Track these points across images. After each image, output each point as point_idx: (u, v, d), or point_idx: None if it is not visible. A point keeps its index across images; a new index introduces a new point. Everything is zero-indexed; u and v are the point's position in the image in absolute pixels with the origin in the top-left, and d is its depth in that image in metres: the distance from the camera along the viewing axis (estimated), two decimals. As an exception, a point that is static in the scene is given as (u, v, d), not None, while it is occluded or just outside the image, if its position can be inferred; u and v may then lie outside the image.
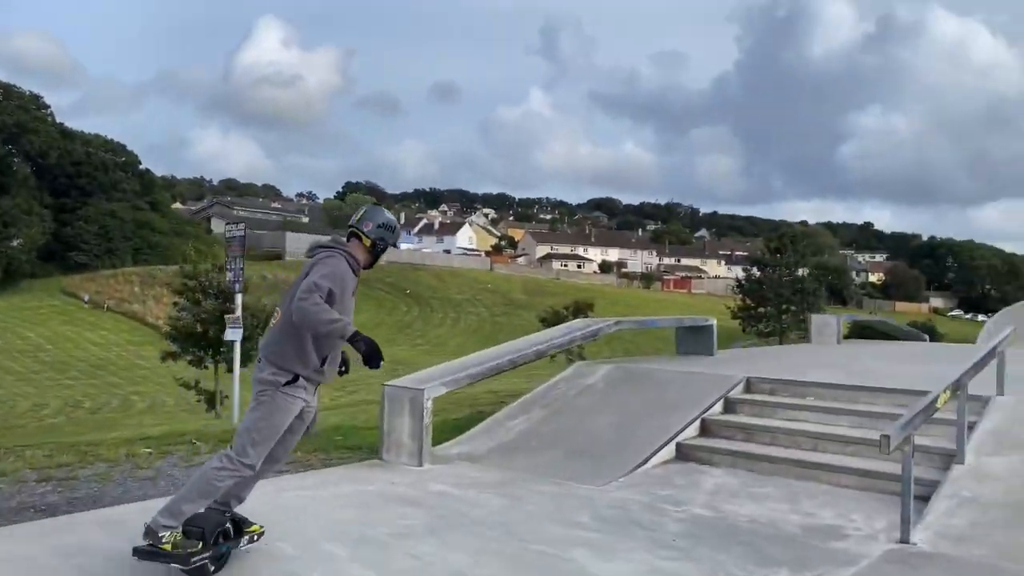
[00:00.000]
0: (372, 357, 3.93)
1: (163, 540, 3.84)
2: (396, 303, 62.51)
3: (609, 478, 6.04)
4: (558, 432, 7.11)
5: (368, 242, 4.28)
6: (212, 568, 3.95)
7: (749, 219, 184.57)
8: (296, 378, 4.06)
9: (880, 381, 7.45)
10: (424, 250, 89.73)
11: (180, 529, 3.89)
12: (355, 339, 3.90)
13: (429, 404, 6.56)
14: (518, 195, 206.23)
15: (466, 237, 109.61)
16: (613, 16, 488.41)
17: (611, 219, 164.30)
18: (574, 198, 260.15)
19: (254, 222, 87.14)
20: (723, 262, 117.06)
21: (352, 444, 8.37)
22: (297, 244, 70.26)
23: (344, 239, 4.35)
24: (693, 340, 10.08)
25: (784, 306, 40.26)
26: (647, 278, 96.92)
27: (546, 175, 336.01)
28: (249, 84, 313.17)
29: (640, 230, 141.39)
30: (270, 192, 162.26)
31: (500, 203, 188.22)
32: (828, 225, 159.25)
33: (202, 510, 3.99)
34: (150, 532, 3.89)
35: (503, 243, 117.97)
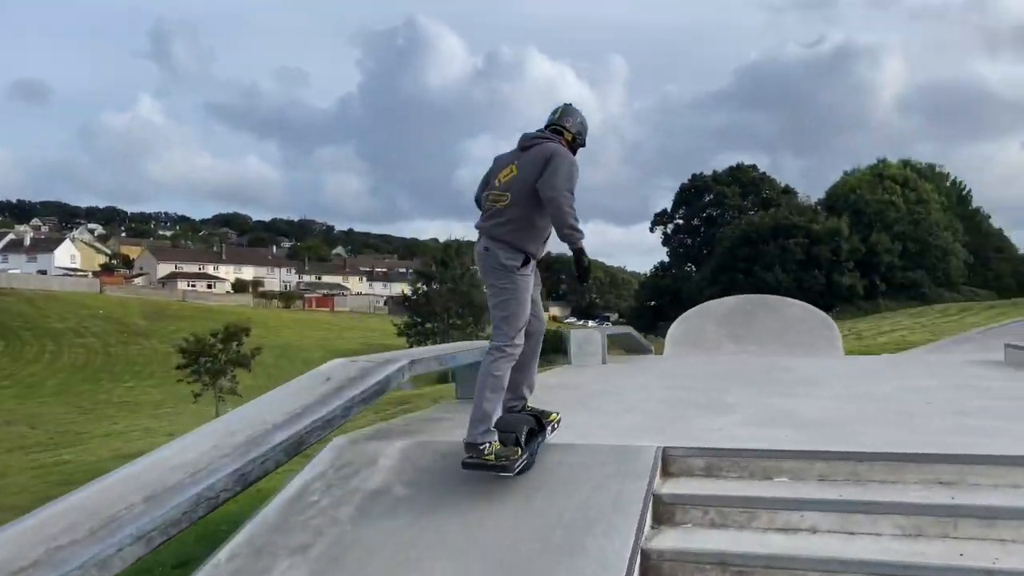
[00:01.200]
0: (586, 274, 4.32)
1: (485, 452, 3.98)
2: (-29, 337, 49.37)
3: None
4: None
5: (569, 137, 4.44)
6: (529, 466, 4.14)
7: (383, 237, 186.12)
8: (528, 259, 4.25)
9: (841, 435, 4.73)
10: (11, 271, 73.78)
11: (497, 437, 4.04)
12: (581, 252, 4.20)
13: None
14: (130, 209, 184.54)
15: (68, 255, 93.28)
16: (231, 27, 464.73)
17: (241, 236, 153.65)
18: (197, 213, 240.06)
19: None
20: (364, 279, 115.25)
21: None
22: None
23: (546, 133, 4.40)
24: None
25: (452, 320, 38.84)
26: (287, 297, 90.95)
27: (162, 188, 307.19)
28: None
29: (275, 247, 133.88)
30: None
31: (109, 217, 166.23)
32: (458, 243, 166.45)
33: (502, 411, 4.19)
34: (471, 446, 4.02)
35: (115, 262, 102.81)
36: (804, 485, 4.04)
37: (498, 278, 4.22)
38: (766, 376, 8.56)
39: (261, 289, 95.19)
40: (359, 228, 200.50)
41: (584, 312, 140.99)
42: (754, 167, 74.58)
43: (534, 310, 4.37)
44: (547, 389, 7.66)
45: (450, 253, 42.72)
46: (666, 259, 79.16)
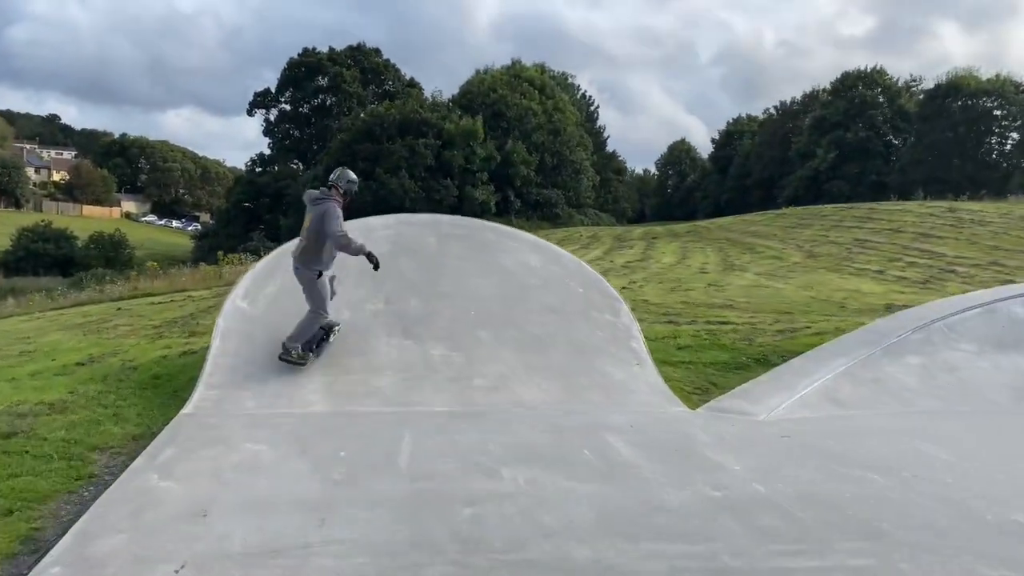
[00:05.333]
0: (376, 264, 7.23)
1: (293, 354, 7.08)
2: None
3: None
4: None
5: (341, 191, 7.30)
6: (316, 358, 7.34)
7: None
8: (320, 273, 7.19)
9: None
10: None
11: (300, 348, 7.15)
12: (368, 255, 7.14)
13: None
14: None
15: None
16: None
17: None
18: None
19: None
20: None
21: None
22: None
23: (327, 189, 7.33)
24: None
25: None
26: None
27: None
28: None
29: None
30: None
31: None
32: (5, 114, 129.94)
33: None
34: (286, 350, 7.09)
35: None
36: None
37: (308, 284, 7.20)
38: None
39: None
40: None
41: (168, 210, 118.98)
42: (378, 51, 62.82)
43: (332, 293, 7.47)
44: None
45: None
46: (268, 152, 64.64)
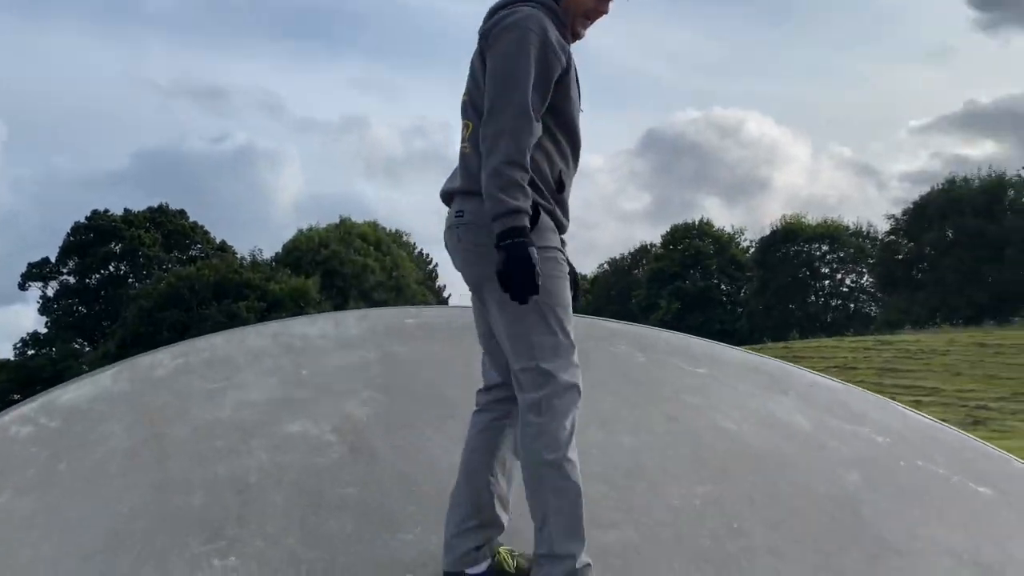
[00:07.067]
0: (524, 282, 1.99)
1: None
2: None
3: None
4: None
5: None
6: None
7: None
8: (538, 214, 2.11)
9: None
10: None
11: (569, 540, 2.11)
12: (505, 238, 2.01)
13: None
14: None
15: None
16: None
17: None
18: None
19: None
20: None
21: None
22: None
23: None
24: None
25: None
26: None
27: None
28: None
29: None
30: None
31: None
32: None
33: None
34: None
35: None
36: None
37: (488, 264, 2.04)
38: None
39: None
40: None
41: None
42: (183, 212, 55.47)
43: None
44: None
45: None
46: (44, 331, 53.76)
